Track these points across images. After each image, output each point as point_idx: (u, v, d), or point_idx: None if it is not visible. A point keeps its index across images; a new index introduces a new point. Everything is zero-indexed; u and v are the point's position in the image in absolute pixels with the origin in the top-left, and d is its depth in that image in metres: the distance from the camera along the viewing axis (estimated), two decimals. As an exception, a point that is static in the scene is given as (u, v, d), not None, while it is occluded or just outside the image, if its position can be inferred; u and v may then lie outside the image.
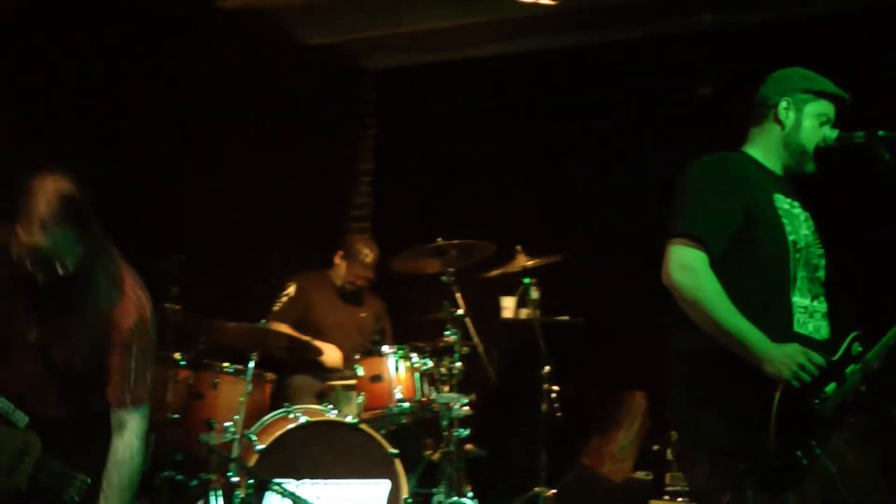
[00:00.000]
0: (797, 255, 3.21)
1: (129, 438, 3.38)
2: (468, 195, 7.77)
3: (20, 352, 3.35)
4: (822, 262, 3.32)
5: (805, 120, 3.41)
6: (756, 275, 3.21)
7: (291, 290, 6.20)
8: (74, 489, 3.31)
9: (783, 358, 2.99)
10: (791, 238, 3.22)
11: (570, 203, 7.37)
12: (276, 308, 6.14)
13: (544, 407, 6.00)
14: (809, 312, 3.21)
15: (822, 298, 3.28)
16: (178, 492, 5.53)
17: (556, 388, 6.01)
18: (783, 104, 3.42)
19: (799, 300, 3.20)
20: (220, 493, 5.02)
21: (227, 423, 5.13)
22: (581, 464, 6.73)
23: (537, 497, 5.90)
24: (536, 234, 6.95)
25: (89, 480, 3.32)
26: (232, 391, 5.57)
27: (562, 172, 7.46)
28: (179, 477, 5.43)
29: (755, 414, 3.00)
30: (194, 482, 5.35)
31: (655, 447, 5.77)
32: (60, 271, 3.19)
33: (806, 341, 3.11)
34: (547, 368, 6.01)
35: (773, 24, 6.62)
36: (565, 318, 7.03)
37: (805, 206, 3.40)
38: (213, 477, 5.08)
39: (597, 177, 7.27)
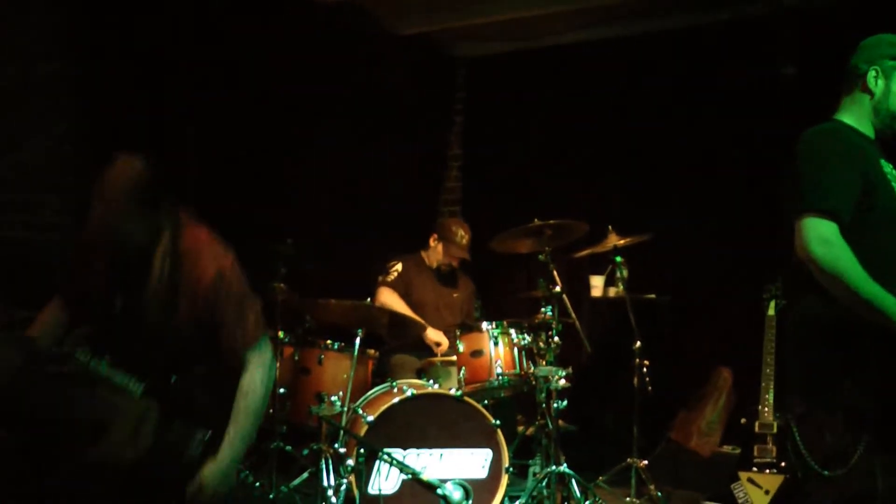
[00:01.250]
0: None
1: (252, 373, 3.57)
2: (557, 178, 7.96)
3: (118, 324, 3.55)
4: None
5: (894, 86, 3.53)
6: (880, 240, 3.29)
7: (399, 266, 6.45)
8: (195, 444, 3.46)
9: None
10: None
11: (657, 184, 7.53)
12: (389, 278, 6.40)
13: (636, 381, 6.08)
14: None
15: None
16: (286, 462, 5.83)
17: (647, 363, 6.09)
18: (872, 73, 3.54)
19: None
20: (329, 462, 5.22)
21: (333, 398, 5.32)
22: (669, 438, 6.89)
23: (630, 468, 5.99)
24: (625, 213, 7.09)
25: (209, 433, 3.48)
26: (337, 367, 5.86)
27: (647, 154, 7.60)
28: (288, 447, 5.73)
29: (891, 380, 3.10)
30: (305, 451, 5.64)
31: (743, 420, 5.83)
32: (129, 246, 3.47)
33: None
34: (638, 344, 6.09)
35: (853, 6, 6.66)
36: (652, 296, 7.21)
37: None
38: (324, 446, 5.30)
39: (681, 158, 7.41)
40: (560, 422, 6.04)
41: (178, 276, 3.55)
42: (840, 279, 3.14)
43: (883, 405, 3.12)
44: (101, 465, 3.37)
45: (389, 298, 6.36)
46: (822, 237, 3.18)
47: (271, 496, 5.52)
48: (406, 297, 6.43)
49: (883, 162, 3.44)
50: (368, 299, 6.12)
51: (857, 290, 3.12)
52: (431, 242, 6.60)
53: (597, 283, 7.46)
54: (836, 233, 3.18)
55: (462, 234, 6.45)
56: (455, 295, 6.64)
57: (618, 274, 6.54)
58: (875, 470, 3.16)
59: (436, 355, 6.18)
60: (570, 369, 5.52)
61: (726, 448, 6.51)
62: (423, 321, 5.97)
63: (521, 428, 6.29)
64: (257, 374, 3.59)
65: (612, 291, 7.36)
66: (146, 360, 3.49)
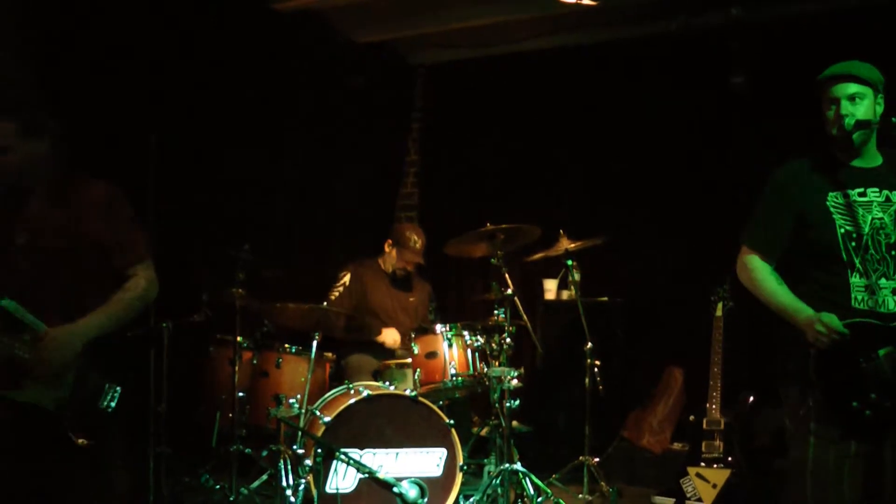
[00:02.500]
0: (852, 244, 3.65)
1: (137, 278, 3.75)
2: (512, 183, 8.11)
3: (19, 257, 3.63)
4: None
5: (826, 111, 3.76)
6: (816, 262, 3.74)
7: (346, 278, 6.49)
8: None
9: (807, 326, 3.60)
10: (842, 231, 3.66)
11: (608, 189, 7.68)
12: (332, 296, 6.42)
13: (588, 382, 6.25)
14: (871, 290, 3.63)
15: (894, 276, 3.65)
16: (246, 464, 5.94)
17: (598, 363, 6.26)
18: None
19: (858, 281, 3.64)
20: (288, 463, 5.32)
21: (291, 400, 5.43)
22: (622, 436, 7.04)
23: (583, 465, 6.14)
24: (577, 218, 7.28)
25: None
26: (295, 370, 6.02)
27: (601, 160, 7.77)
28: (248, 450, 5.85)
29: (806, 368, 3.64)
30: (264, 453, 5.75)
31: (691, 418, 6.01)
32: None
33: (866, 314, 3.61)
34: (589, 345, 6.25)
35: (800, 17, 6.88)
36: (604, 298, 7.35)
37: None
38: (283, 448, 5.44)
39: (633, 164, 7.57)
40: (515, 422, 6.19)
41: (70, 200, 3.69)
42: (757, 294, 3.85)
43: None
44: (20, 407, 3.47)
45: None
46: (744, 264, 3.90)
47: (231, 498, 5.61)
48: (359, 304, 6.50)
49: (834, 195, 3.71)
50: (325, 303, 6.23)
51: (769, 304, 3.80)
52: (386, 248, 6.68)
53: (550, 287, 7.61)
54: (756, 261, 3.85)
55: (415, 239, 6.53)
56: (411, 299, 6.73)
57: (570, 277, 6.69)
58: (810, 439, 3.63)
59: (392, 357, 6.28)
60: (521, 370, 5.68)
61: (677, 445, 6.66)
62: (378, 326, 6.09)
63: (475, 428, 6.42)
64: (142, 281, 3.77)
65: (565, 294, 7.51)
66: (47, 295, 3.59)
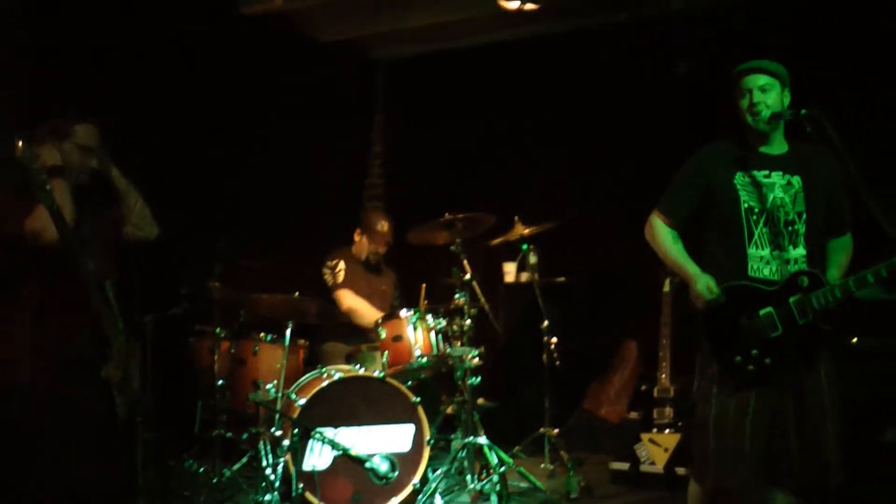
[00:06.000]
0: (753, 218, 4.07)
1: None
2: (473, 171, 8.45)
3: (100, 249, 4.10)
4: (804, 217, 4.07)
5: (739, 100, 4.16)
6: (720, 233, 4.15)
7: (342, 263, 6.79)
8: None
9: (690, 284, 4.10)
10: (745, 206, 4.07)
11: (562, 176, 8.06)
12: (340, 280, 6.72)
13: (545, 358, 6.61)
14: (766, 260, 4.04)
15: (790, 248, 4.05)
16: (228, 448, 6.16)
17: (554, 340, 6.61)
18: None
19: (755, 252, 4.05)
20: (268, 444, 5.63)
21: (268, 385, 5.73)
22: (582, 408, 7.41)
23: (543, 437, 6.52)
24: (533, 204, 7.60)
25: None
26: (271, 357, 6.29)
27: (553, 148, 8.11)
28: (229, 434, 6.06)
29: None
30: (245, 436, 5.98)
31: (643, 387, 6.34)
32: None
33: (760, 282, 4.02)
34: (545, 323, 6.61)
35: (738, 8, 7.18)
36: (562, 279, 7.73)
37: (802, 170, 4.11)
38: (262, 430, 5.74)
39: (584, 151, 7.92)
40: (481, 399, 6.52)
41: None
42: (657, 251, 4.32)
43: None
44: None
45: (354, 301, 6.70)
46: (650, 224, 4.34)
47: (215, 480, 5.84)
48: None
49: (740, 175, 4.11)
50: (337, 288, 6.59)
51: (665, 260, 4.28)
52: (356, 237, 6.94)
53: (510, 270, 7.95)
54: (660, 223, 4.30)
55: (382, 223, 6.82)
56: (383, 287, 7.01)
57: (527, 260, 7.05)
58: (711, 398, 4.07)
59: (363, 342, 6.57)
60: (482, 349, 5.96)
61: (633, 414, 6.91)
62: (379, 313, 6.42)
63: (443, 406, 6.74)
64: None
65: (523, 276, 7.83)
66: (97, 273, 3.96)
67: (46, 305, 3.89)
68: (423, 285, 6.45)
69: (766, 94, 4.06)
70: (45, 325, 3.87)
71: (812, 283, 3.96)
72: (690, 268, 4.13)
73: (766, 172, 4.12)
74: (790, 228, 4.06)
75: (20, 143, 3.70)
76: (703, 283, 4.02)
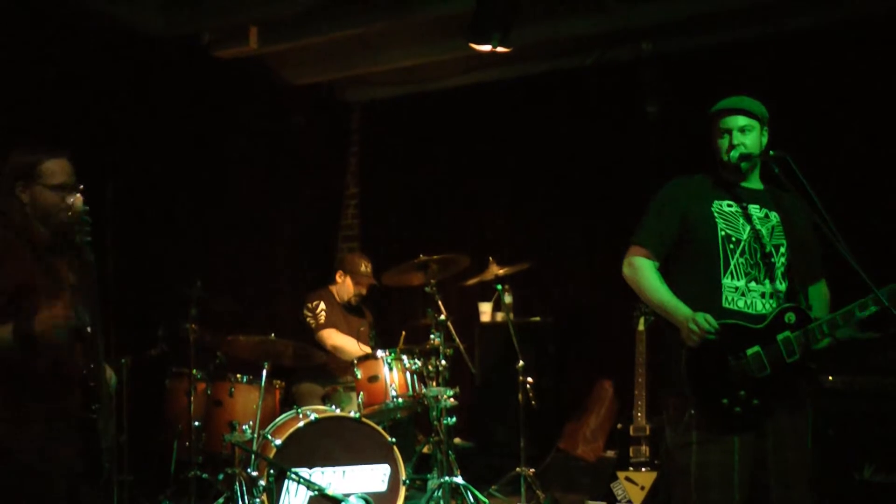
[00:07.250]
0: (731, 247, 3.95)
1: None
2: (447, 212, 8.55)
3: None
4: (782, 251, 3.99)
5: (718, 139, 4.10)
6: (693, 264, 4.00)
7: (322, 304, 6.83)
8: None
9: (682, 324, 3.83)
10: (722, 234, 3.97)
11: (535, 216, 8.14)
12: (323, 320, 6.76)
13: (521, 397, 6.61)
14: (741, 292, 3.90)
15: (766, 281, 3.96)
16: (204, 489, 6.14)
17: (529, 379, 6.60)
18: None
19: (730, 282, 3.90)
20: (243, 484, 5.59)
21: (244, 426, 5.75)
22: (558, 447, 7.44)
23: (519, 476, 6.50)
24: (507, 245, 7.72)
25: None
26: (247, 398, 6.28)
27: (527, 189, 8.21)
28: (205, 475, 6.07)
29: (680, 368, 3.85)
30: (221, 476, 5.95)
31: (619, 426, 6.37)
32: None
33: (735, 315, 3.85)
34: (521, 363, 6.62)
35: (707, 51, 7.37)
36: (537, 318, 7.79)
37: (778, 208, 4.05)
38: (238, 471, 5.70)
39: (557, 191, 8.02)
40: (458, 439, 6.54)
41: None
42: (639, 291, 4.06)
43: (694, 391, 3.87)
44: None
45: (339, 339, 6.73)
46: (630, 261, 4.10)
47: None
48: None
49: (719, 203, 4.01)
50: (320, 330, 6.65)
51: (650, 300, 4.02)
52: (338, 279, 7.00)
53: (485, 309, 8.00)
54: (642, 259, 4.05)
55: (365, 265, 6.92)
56: (362, 328, 6.96)
57: (501, 300, 7.11)
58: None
59: (338, 383, 6.61)
60: (457, 389, 6.02)
61: (610, 453, 7.00)
62: (365, 349, 6.45)
63: (418, 446, 6.72)
64: None
65: (499, 316, 7.88)
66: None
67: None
68: (404, 332, 6.51)
69: (746, 135, 4.00)
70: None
71: (799, 320, 3.85)
72: (681, 306, 3.87)
73: (744, 203, 4.05)
74: (767, 261, 3.97)
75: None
76: (702, 317, 3.77)
